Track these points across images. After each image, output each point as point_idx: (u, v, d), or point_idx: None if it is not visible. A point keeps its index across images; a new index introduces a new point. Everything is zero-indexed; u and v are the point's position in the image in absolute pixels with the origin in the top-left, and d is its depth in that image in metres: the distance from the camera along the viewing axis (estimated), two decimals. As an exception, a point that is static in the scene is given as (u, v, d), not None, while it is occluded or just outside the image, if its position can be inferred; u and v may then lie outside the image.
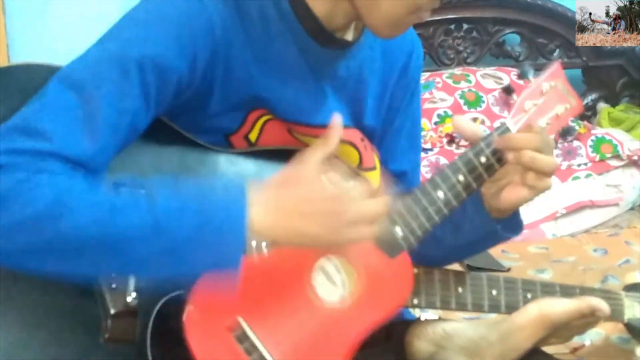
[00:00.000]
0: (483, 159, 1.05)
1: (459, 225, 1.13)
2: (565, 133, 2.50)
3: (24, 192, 0.83)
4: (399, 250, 1.04)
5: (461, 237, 1.15)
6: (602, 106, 2.88)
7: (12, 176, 0.84)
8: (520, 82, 2.59)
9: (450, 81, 2.62)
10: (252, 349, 0.95)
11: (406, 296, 1.06)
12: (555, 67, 1.11)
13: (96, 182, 0.88)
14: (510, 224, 1.12)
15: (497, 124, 2.48)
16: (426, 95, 2.55)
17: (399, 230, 1.03)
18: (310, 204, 0.90)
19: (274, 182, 0.92)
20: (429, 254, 1.12)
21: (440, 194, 1.04)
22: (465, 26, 2.81)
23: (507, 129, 1.07)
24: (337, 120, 0.97)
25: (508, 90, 2.56)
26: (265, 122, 1.05)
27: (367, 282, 1.02)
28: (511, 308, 1.11)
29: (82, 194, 0.85)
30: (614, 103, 2.91)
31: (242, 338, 0.95)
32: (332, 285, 1.02)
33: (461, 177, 1.05)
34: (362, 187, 0.94)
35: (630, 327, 1.21)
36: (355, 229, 0.92)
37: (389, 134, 1.19)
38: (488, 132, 1.08)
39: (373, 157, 1.15)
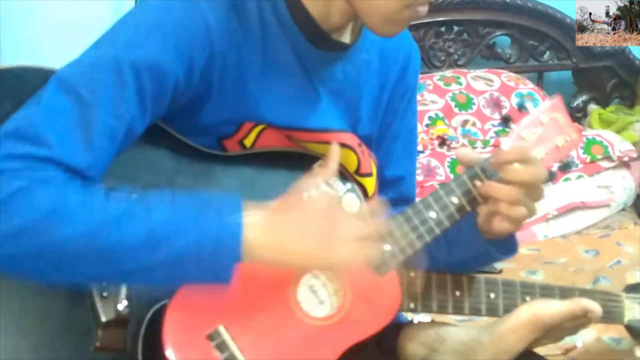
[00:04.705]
0: (478, 183, 1.04)
1: (452, 243, 1.13)
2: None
3: (22, 200, 0.83)
4: (387, 269, 1.02)
5: (454, 255, 1.14)
6: (593, 108, 2.88)
7: (10, 183, 0.84)
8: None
9: (441, 83, 2.62)
10: (231, 359, 0.94)
11: (392, 315, 1.04)
12: (555, 100, 1.09)
13: (93, 191, 0.88)
14: (505, 246, 1.12)
15: (491, 133, 2.49)
16: (417, 97, 2.54)
17: (388, 248, 1.02)
18: (303, 223, 0.91)
19: (270, 206, 0.92)
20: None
21: (432, 214, 1.03)
22: (455, 28, 2.81)
23: None
24: (335, 146, 0.97)
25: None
26: (261, 130, 1.05)
27: (353, 299, 1.01)
28: (509, 312, 1.09)
29: (79, 203, 0.85)
30: (604, 104, 2.91)
31: (222, 347, 0.94)
32: (317, 300, 1.00)
33: (454, 199, 1.04)
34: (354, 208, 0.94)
35: (630, 328, 1.20)
36: (348, 246, 0.91)
37: (385, 139, 1.19)
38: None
39: (370, 163, 1.15)
